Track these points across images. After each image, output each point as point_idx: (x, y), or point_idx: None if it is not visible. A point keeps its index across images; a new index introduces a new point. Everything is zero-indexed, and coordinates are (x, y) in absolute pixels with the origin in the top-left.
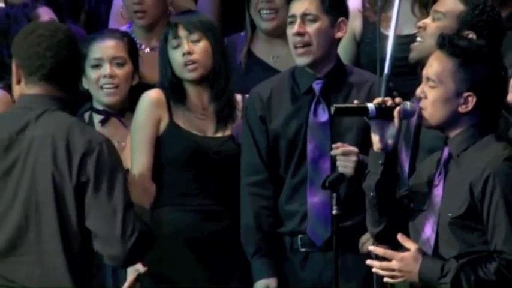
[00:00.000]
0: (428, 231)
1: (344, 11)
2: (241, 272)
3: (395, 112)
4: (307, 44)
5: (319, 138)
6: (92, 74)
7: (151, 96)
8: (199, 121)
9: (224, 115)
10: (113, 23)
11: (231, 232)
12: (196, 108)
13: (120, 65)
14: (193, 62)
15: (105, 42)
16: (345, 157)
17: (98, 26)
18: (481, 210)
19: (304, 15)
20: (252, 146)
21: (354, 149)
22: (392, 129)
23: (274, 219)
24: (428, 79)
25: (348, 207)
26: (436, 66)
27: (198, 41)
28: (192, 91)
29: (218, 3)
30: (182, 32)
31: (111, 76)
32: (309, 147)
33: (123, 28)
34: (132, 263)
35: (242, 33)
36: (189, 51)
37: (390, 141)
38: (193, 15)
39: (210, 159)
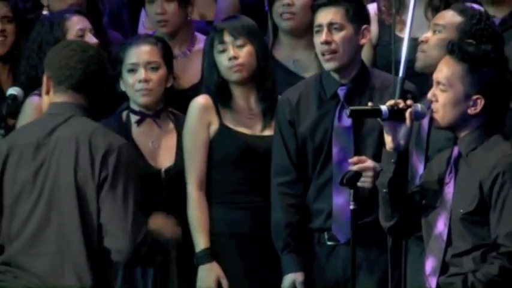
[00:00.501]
0: (441, 226)
1: (367, 18)
2: None
3: (407, 113)
4: (333, 52)
5: (344, 141)
6: (128, 78)
7: (200, 102)
8: (247, 120)
9: (270, 114)
10: (141, 30)
11: None
12: (243, 109)
13: (155, 69)
14: (239, 66)
15: (141, 48)
16: (362, 173)
17: (120, 29)
18: (490, 206)
19: (330, 25)
20: (282, 148)
21: (370, 164)
22: (404, 130)
23: (302, 217)
24: (438, 83)
25: (370, 204)
26: (445, 70)
27: (242, 46)
28: (238, 93)
29: (237, 11)
30: (227, 38)
31: (146, 80)
32: (334, 150)
33: None
34: (137, 260)
35: (265, 38)
36: (235, 56)
37: (402, 141)
38: (237, 20)
39: (260, 157)
